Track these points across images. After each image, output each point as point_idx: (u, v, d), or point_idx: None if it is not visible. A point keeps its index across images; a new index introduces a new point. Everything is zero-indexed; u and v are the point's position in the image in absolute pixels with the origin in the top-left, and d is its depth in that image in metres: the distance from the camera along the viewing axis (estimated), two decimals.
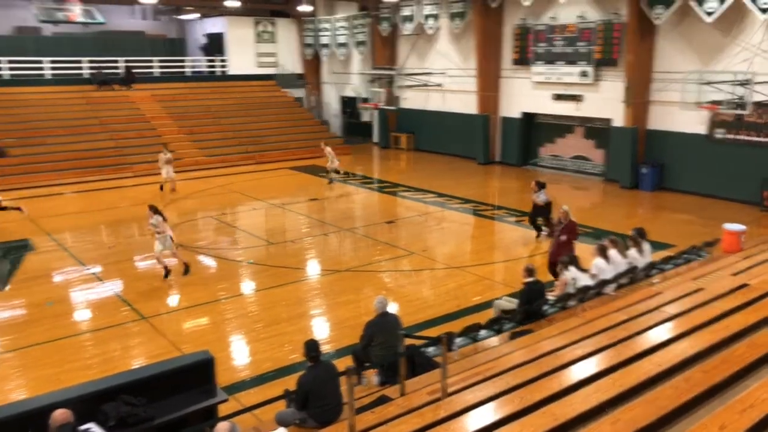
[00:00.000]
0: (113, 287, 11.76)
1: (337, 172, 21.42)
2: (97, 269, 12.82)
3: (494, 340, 8.30)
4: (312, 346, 6.26)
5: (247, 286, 12.14)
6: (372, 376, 7.35)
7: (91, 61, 27.15)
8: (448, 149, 26.43)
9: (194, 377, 6.59)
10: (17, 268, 12.98)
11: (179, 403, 6.30)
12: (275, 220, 17.22)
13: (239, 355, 9.27)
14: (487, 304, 10.04)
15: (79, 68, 26.95)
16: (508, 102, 24.14)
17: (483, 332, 8.53)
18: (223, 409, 6.50)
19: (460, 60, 25.41)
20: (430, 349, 7.69)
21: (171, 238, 12.07)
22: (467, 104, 25.01)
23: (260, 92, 30.13)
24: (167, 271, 12.07)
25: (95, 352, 9.22)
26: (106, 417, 5.86)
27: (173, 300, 11.38)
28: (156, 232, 12.04)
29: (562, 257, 9.83)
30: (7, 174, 20.80)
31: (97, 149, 23.11)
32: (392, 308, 8.62)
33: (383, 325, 7.36)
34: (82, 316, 10.71)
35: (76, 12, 24.99)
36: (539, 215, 14.30)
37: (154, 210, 12.20)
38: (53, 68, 26.42)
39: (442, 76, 25.95)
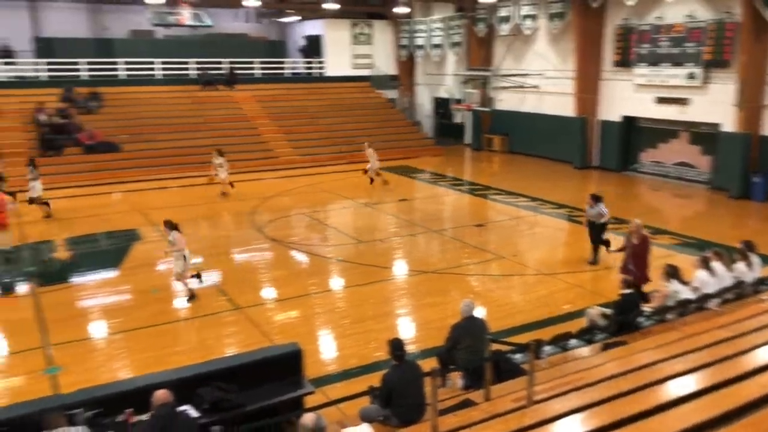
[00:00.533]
0: (213, 277, 12.31)
1: (377, 175, 21.07)
2: (199, 260, 13.47)
3: (585, 351, 8.03)
4: (397, 345, 6.30)
5: (336, 283, 12.38)
6: (456, 379, 7.31)
7: (197, 63, 28.60)
8: (542, 152, 25.83)
9: (283, 368, 6.80)
10: (126, 255, 13.87)
11: (268, 392, 6.52)
12: (364, 219, 17.46)
13: (326, 349, 9.47)
14: (579, 313, 9.73)
15: (187, 69, 28.45)
16: (607, 105, 23.28)
17: (573, 341, 8.28)
18: (310, 401, 6.66)
19: (558, 61, 24.77)
20: (517, 356, 7.54)
21: (185, 257, 10.97)
22: (564, 106, 24.34)
23: (355, 93, 30.64)
24: (191, 295, 11.14)
25: (193, 339, 9.71)
26: (201, 400, 6.17)
27: (267, 293, 11.78)
28: (174, 251, 10.99)
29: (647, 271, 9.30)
30: (120, 168, 22.27)
31: (199, 146, 24.27)
32: (479, 312, 8.53)
33: (470, 329, 7.29)
34: (183, 303, 11.30)
35: (186, 16, 26.40)
36: (598, 231, 12.82)
37: (171, 225, 11.08)
38: (164, 69, 28.03)
39: (539, 78, 25.39)
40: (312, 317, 10.50)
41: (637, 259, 10.42)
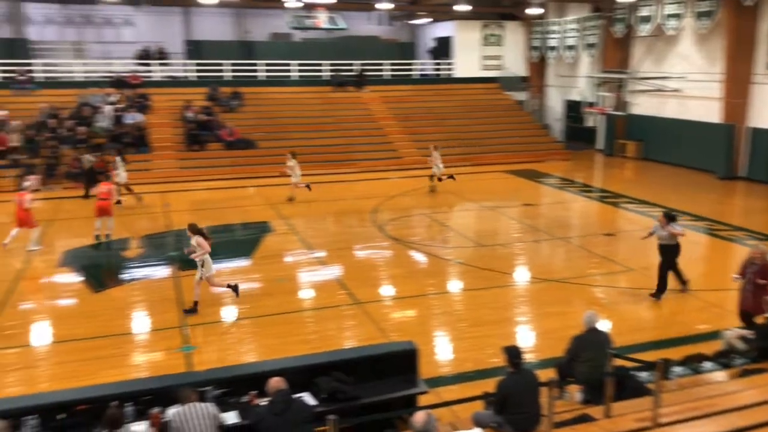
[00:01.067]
0: (334, 272, 12.72)
1: (439, 179, 20.42)
2: (322, 254, 13.98)
3: (720, 375, 7.43)
4: (514, 353, 6.18)
5: (455, 285, 12.34)
6: (575, 392, 7.04)
7: (331, 65, 29.64)
8: (680, 160, 24.19)
9: (398, 365, 6.89)
10: (258, 246, 14.67)
11: (383, 387, 6.64)
12: (487, 223, 17.25)
13: (442, 350, 9.47)
14: (715, 335, 9.02)
15: (320, 71, 29.57)
16: (759, 111, 21.36)
17: (708, 364, 7.69)
18: (423, 400, 6.70)
19: (703, 63, 23.08)
20: (643, 374, 7.13)
21: (203, 263, 10.53)
22: (708, 112, 22.63)
23: (483, 95, 30.35)
24: (235, 288, 10.97)
25: (314, 329, 10.09)
26: (319, 389, 6.40)
27: (385, 290, 11.99)
28: (199, 255, 10.50)
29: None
30: (255, 163, 23.58)
31: (329, 145, 25.15)
32: (603, 325, 8.16)
33: (592, 342, 7.00)
34: (306, 294, 11.79)
35: (322, 19, 27.46)
36: (670, 256, 10.96)
37: (194, 230, 10.61)
38: (299, 70, 29.32)
39: (681, 81, 23.79)
40: (428, 317, 10.54)
41: (760, 290, 8.87)
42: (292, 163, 19.00)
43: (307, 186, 19.03)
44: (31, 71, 25.75)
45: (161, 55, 28.96)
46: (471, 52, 31.54)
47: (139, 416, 5.91)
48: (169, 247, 14.76)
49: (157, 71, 28.25)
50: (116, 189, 16.74)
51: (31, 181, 15.46)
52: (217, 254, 14.08)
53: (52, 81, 26.21)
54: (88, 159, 20.39)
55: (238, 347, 9.41)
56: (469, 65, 31.46)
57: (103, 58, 28.58)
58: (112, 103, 24.44)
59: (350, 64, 29.96)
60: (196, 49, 29.84)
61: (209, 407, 5.66)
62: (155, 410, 5.93)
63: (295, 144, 24.84)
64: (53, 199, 19.28)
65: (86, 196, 18.66)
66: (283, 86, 28.56)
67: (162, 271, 12.92)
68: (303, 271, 13.03)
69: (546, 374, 6.70)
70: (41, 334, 9.93)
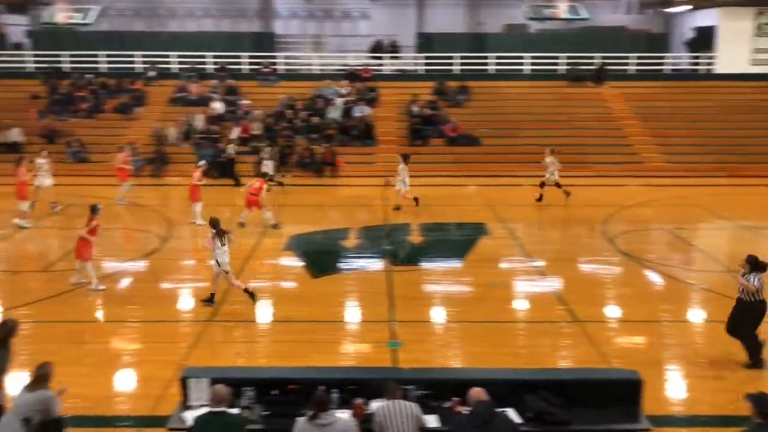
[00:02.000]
0: (554, 284, 12.39)
1: (558, 185, 18.47)
2: (541, 263, 13.70)
3: None
4: (762, 401, 5.49)
5: (696, 314, 11.30)
6: None
7: (568, 58, 28.81)
8: None
9: (619, 395, 6.53)
10: (472, 248, 14.85)
11: (597, 416, 6.33)
12: (743, 246, 15.39)
13: (672, 386, 8.73)
14: None
15: (556, 64, 28.89)
16: None
17: None
18: None
19: None
20: None
21: (217, 261, 10.78)
22: None
23: (751, 94, 27.18)
24: (252, 295, 11.03)
25: (525, 343, 9.94)
26: (525, 407, 6.30)
27: (610, 310, 11.38)
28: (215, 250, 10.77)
29: None
30: (477, 161, 23.84)
31: (560, 145, 24.35)
32: None
33: None
34: (520, 305, 11.65)
35: (562, 9, 26.82)
36: (743, 314, 8.90)
37: (212, 223, 10.98)
38: (532, 64, 28.96)
39: None
40: (659, 347, 9.78)
41: None
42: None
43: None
44: (274, 64, 28.89)
45: (393, 48, 30.60)
46: (739, 44, 28.47)
47: (343, 404, 6.35)
48: (385, 241, 15.59)
49: (388, 64, 29.91)
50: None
51: (203, 162, 17.87)
52: (429, 253, 14.67)
53: (292, 73, 29.15)
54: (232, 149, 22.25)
55: (444, 350, 9.63)
56: (735, 60, 28.41)
57: (338, 52, 31.06)
58: (343, 96, 26.47)
59: (590, 57, 28.83)
60: (426, 41, 31.01)
61: (413, 407, 5.86)
62: (359, 401, 6.33)
63: (523, 143, 24.66)
64: (286, 185, 21.47)
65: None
66: (514, 80, 28.44)
67: (376, 264, 13.69)
68: (518, 279, 12.90)
69: None
70: (263, 312, 11.13)
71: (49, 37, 29.60)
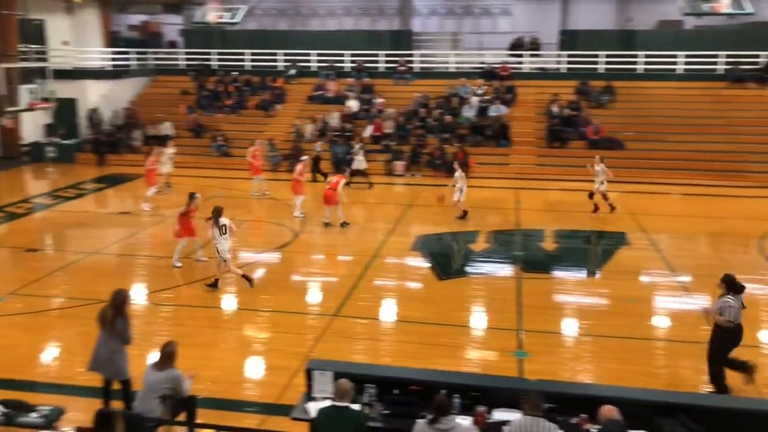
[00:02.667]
0: (699, 301, 11.62)
1: (605, 197, 17.38)
2: (686, 278, 12.91)
3: None
4: None
5: None
6: None
7: (728, 56, 26.83)
8: None
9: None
10: (610, 258, 14.25)
11: None
12: None
13: None
14: None
15: (714, 63, 27.00)
16: None
17: None
18: None
19: None
20: None
21: (217, 249, 11.68)
22: None
23: None
24: (249, 280, 11.91)
25: (664, 363, 9.41)
26: (660, 430, 5.98)
27: (766, 335, 10.51)
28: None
29: None
30: (620, 166, 22.70)
31: (714, 152, 22.91)
32: None
33: None
34: (660, 322, 11.03)
35: (724, 3, 25.02)
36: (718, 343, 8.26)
37: (214, 212, 11.69)
38: (686, 63, 27.25)
39: None
40: None
41: None
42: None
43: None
44: (410, 62, 29.23)
45: (533, 45, 29.97)
46: None
47: (464, 410, 6.33)
48: (516, 246, 15.33)
49: (527, 62, 29.33)
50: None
51: (306, 157, 19.03)
52: (563, 261, 14.26)
53: (428, 71, 29.34)
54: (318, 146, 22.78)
55: (573, 364, 9.33)
56: None
57: (476, 49, 30.88)
58: (478, 95, 26.29)
59: (754, 56, 26.69)
60: (570, 39, 30.04)
61: (553, 428, 5.56)
62: (481, 408, 6.28)
63: (672, 148, 23.41)
64: (414, 185, 21.67)
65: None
66: (665, 80, 26.89)
67: (505, 270, 13.49)
68: (660, 294, 12.20)
69: None
70: (388, 311, 11.32)
71: (199, 35, 31.77)
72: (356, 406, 6.25)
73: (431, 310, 11.10)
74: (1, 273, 13.31)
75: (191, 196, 13.18)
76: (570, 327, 10.68)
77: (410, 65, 29.12)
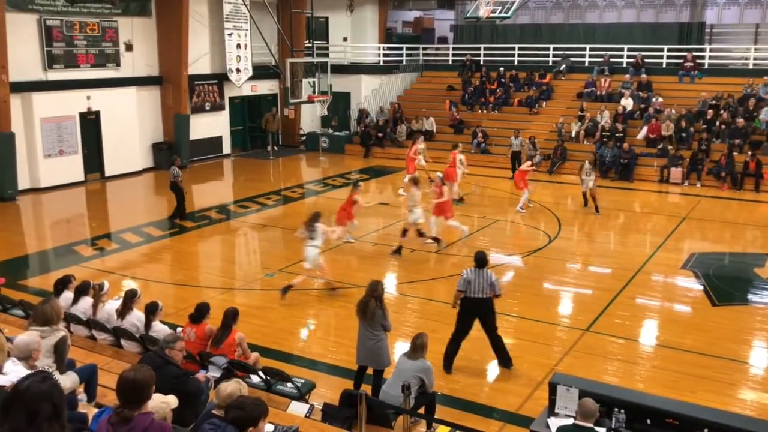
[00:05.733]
0: None
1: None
2: None
3: None
4: None
5: None
6: None
7: None
8: None
9: None
10: None
11: None
12: None
13: None
14: None
15: None
16: None
17: None
18: None
19: None
20: None
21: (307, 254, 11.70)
22: None
23: None
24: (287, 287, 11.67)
25: None
26: None
27: None
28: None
29: None
30: None
31: None
32: None
33: None
34: None
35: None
36: None
37: (311, 216, 11.82)
38: None
39: None
40: None
41: None
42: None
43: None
44: (700, 57, 26.81)
45: None
46: None
47: None
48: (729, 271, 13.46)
49: None
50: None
51: (420, 139, 20.81)
52: None
53: (720, 68, 26.71)
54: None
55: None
56: None
57: None
58: None
59: None
60: None
61: None
62: None
63: None
64: (692, 195, 19.99)
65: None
66: None
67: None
68: None
69: None
70: (647, 333, 10.61)
71: (469, 30, 32.54)
72: (601, 430, 5.97)
73: (699, 338, 10.18)
74: (273, 251, 15.04)
75: (355, 184, 14.89)
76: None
77: (699, 61, 26.74)
